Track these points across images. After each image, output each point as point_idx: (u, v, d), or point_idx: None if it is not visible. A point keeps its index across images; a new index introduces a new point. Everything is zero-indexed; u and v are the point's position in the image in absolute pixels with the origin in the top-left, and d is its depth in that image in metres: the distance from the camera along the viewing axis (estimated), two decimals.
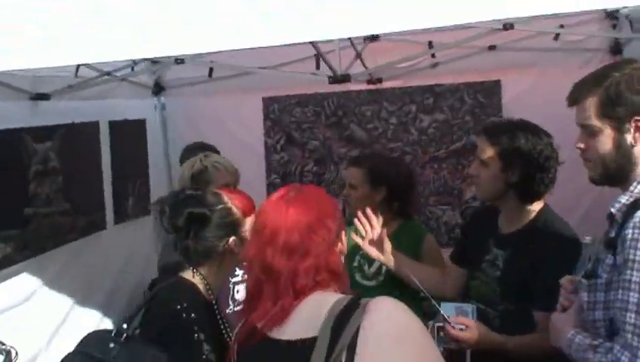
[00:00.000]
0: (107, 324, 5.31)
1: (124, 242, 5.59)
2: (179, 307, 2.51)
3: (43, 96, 4.59)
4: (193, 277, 2.69)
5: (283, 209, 2.01)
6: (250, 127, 6.16)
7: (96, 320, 5.22)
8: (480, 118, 5.51)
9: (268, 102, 6.07)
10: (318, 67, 5.04)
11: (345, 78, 4.49)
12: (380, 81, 5.78)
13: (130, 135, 5.70)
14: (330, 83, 4.51)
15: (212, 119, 6.12)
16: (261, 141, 6.13)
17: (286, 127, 6.06)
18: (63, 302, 4.87)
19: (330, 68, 4.48)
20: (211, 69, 6.00)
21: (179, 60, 4.86)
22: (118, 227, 5.48)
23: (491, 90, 5.50)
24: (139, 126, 5.88)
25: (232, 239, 2.70)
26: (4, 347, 3.18)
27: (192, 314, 2.50)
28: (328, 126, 6.00)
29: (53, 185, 4.65)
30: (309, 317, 1.88)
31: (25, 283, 4.48)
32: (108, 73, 5.14)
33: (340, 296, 1.90)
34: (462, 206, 5.68)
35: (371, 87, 5.80)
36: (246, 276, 2.40)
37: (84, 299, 5.03)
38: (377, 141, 5.83)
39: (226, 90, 6.02)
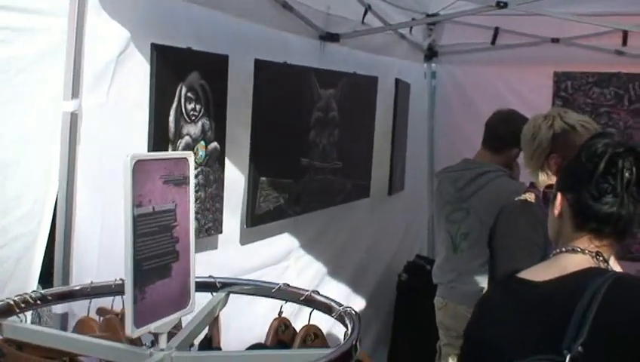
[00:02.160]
0: (352, 305, 4.88)
1: (382, 216, 5.18)
2: None
3: (333, 37, 4.20)
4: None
5: None
6: (535, 105, 5.42)
7: (342, 299, 4.79)
8: None
9: (561, 77, 5.37)
10: (625, 43, 4.75)
11: None
12: None
13: (400, 100, 5.22)
14: None
15: (489, 92, 5.53)
16: None
17: (579, 108, 5.29)
18: (313, 269, 4.49)
19: None
20: (495, 35, 5.42)
21: None
22: (379, 198, 5.07)
23: None
24: (407, 91, 5.39)
25: None
26: None
27: None
28: (631, 112, 5.17)
29: (330, 138, 4.27)
30: None
31: (284, 241, 4.16)
32: (393, 28, 4.85)
33: None
34: None
35: None
36: None
37: (333, 270, 4.65)
38: None
39: (510, 59, 5.42)
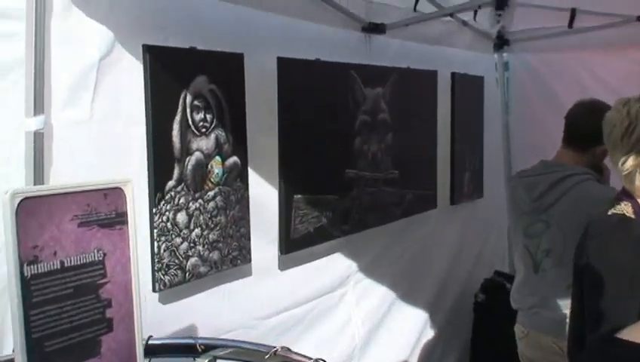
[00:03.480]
0: (428, 332, 4.35)
1: (454, 228, 4.63)
2: None
3: (377, 28, 3.69)
4: None
5: None
6: (624, 95, 4.80)
7: (418, 325, 4.29)
8: None
9: None
10: None
11: None
12: None
13: (468, 95, 4.66)
14: None
15: (571, 81, 4.90)
16: None
17: None
18: (376, 295, 4.01)
19: None
20: (572, 17, 4.78)
21: None
22: (449, 209, 4.52)
23: None
24: (478, 85, 4.81)
25: None
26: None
27: None
28: None
29: (382, 144, 3.76)
30: None
31: (335, 266, 3.70)
32: (450, 14, 4.26)
33: None
34: None
35: None
36: None
37: (404, 294, 4.16)
38: None
39: (592, 43, 4.79)
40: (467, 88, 4.65)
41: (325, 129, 3.38)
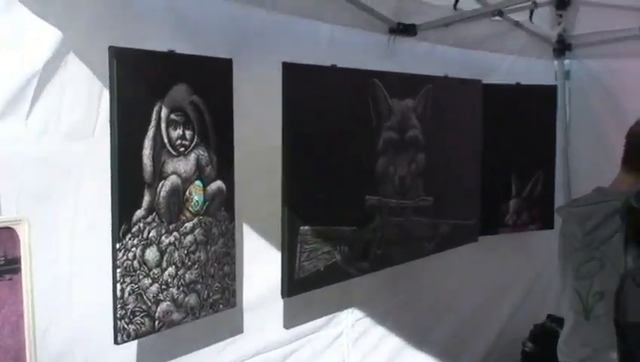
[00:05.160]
0: None
1: (494, 265, 4.26)
2: None
3: (407, 30, 3.35)
4: None
5: None
6: None
7: None
8: None
9: None
10: None
11: None
12: None
13: (526, 108, 4.29)
14: None
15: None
16: None
17: None
18: (389, 344, 3.67)
19: None
20: None
21: None
22: (490, 240, 4.14)
23: None
24: (546, 96, 4.50)
25: None
26: None
27: None
28: None
29: (412, 166, 3.43)
30: None
31: (357, 308, 3.41)
32: (500, 12, 3.93)
33: None
34: None
35: None
36: None
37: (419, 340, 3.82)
38: None
39: None
40: (525, 100, 4.26)
41: (342, 148, 3.06)
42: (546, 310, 4.62)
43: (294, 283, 2.85)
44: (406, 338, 3.64)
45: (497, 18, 4.04)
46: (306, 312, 3.11)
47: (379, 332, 3.54)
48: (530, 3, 4.03)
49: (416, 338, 3.72)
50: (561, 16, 4.71)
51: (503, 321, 4.47)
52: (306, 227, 2.87)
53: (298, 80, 2.78)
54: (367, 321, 3.49)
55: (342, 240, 3.06)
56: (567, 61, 4.94)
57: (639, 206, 2.17)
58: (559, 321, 4.43)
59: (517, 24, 4.28)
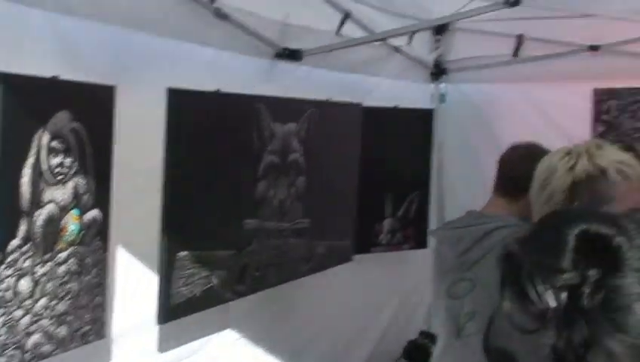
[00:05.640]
0: None
1: (368, 284, 4.36)
2: None
3: (292, 55, 3.42)
4: None
5: None
6: (571, 132, 4.61)
7: None
8: None
9: (601, 96, 4.63)
10: None
11: None
12: None
13: (404, 131, 4.45)
14: None
15: (514, 118, 4.77)
16: None
17: (626, 135, 4.52)
18: (280, 360, 3.73)
19: None
20: (518, 45, 4.66)
21: None
22: (365, 259, 4.26)
23: None
24: (418, 118, 4.67)
25: None
26: None
27: None
28: None
29: (292, 189, 3.48)
30: None
31: (233, 329, 3.42)
32: (382, 38, 4.06)
33: None
34: None
35: None
36: None
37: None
38: None
39: (539, 75, 4.67)
40: (402, 123, 4.42)
41: (223, 172, 3.09)
42: (419, 326, 4.82)
43: (170, 310, 2.86)
44: (282, 357, 3.67)
45: (378, 43, 4.16)
46: (183, 335, 3.10)
47: (256, 352, 3.56)
48: (409, 29, 4.17)
49: (292, 357, 3.75)
50: (438, 40, 4.89)
51: (377, 338, 4.56)
52: (184, 252, 2.89)
53: (182, 105, 2.80)
54: (244, 341, 3.49)
55: (219, 264, 3.10)
56: (442, 85, 5.04)
57: (522, 254, 2.24)
58: (432, 337, 4.59)
59: (396, 49, 4.39)
